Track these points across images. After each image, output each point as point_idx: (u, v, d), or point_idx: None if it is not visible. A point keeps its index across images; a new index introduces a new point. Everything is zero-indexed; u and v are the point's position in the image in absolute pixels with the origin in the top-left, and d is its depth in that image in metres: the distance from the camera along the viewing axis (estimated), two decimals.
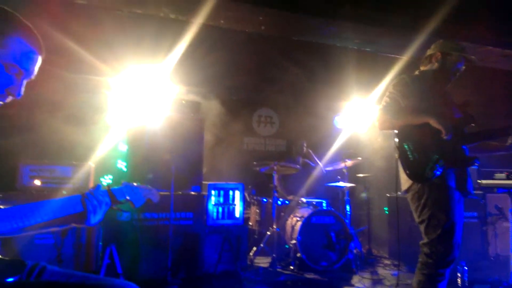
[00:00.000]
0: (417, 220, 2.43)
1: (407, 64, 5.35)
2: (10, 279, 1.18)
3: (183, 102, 4.00)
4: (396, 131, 2.46)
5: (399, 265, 4.45)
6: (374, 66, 5.50)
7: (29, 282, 1.25)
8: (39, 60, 1.24)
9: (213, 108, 5.51)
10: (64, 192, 3.41)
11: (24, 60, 1.18)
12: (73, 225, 1.38)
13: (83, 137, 4.29)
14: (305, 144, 5.63)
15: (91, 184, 3.61)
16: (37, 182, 3.36)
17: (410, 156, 2.34)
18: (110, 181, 4.26)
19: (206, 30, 4.38)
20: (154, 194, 1.68)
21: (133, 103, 4.11)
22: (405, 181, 2.48)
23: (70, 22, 3.94)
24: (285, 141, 6.76)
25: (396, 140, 2.43)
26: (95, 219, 1.36)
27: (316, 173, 5.42)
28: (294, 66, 5.48)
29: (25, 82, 1.23)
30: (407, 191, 2.48)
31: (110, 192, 1.47)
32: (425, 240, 2.36)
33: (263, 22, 4.35)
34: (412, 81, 2.55)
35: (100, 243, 3.48)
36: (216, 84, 5.26)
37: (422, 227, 2.39)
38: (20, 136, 3.83)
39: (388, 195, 5.28)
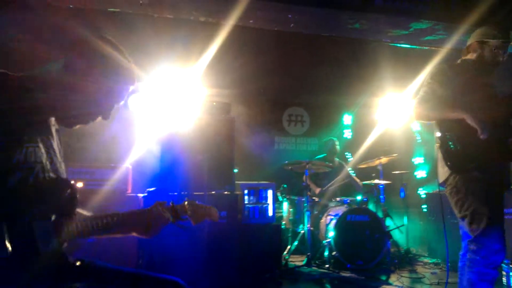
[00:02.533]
0: (458, 215, 2.33)
1: (444, 56, 5.16)
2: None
3: (214, 103, 4.06)
4: (436, 122, 2.37)
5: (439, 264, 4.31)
6: (409, 59, 5.35)
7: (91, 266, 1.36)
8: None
9: (243, 108, 5.56)
10: (104, 194, 3.55)
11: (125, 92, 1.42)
12: (134, 234, 1.46)
13: (120, 139, 4.47)
14: (336, 143, 5.55)
15: (129, 186, 3.74)
16: (79, 184, 3.53)
17: (452, 146, 2.25)
18: (146, 182, 4.38)
19: (235, 32, 4.43)
20: (213, 214, 1.69)
21: (165, 106, 4.21)
22: (442, 173, 2.38)
23: (106, 28, 4.10)
24: (316, 139, 6.69)
25: (438, 130, 2.34)
26: (155, 232, 1.44)
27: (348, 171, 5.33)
28: (324, 63, 5.43)
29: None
30: (444, 183, 2.39)
31: (173, 209, 1.52)
32: (471, 236, 2.25)
33: (293, 20, 4.34)
34: (452, 71, 2.42)
35: (139, 242, 3.60)
36: (246, 85, 5.30)
37: (465, 223, 2.27)
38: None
39: (426, 192, 5.11)
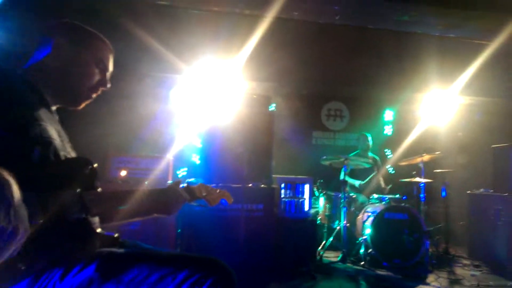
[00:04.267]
0: None
1: (495, 50, 4.90)
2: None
3: (254, 96, 4.10)
4: None
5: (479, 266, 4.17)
6: (456, 54, 5.12)
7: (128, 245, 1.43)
8: (111, 56, 1.53)
9: (283, 102, 5.55)
10: (146, 182, 3.71)
11: (105, 59, 1.49)
12: (155, 215, 1.51)
13: (162, 131, 4.62)
14: (368, 138, 5.43)
15: (170, 176, 3.87)
16: (123, 173, 3.70)
17: None
18: (185, 173, 4.52)
19: (277, 24, 4.42)
20: (227, 197, 1.79)
21: (206, 99, 4.31)
22: None
23: (151, 21, 4.22)
24: (355, 135, 6.59)
25: None
26: (175, 210, 1.49)
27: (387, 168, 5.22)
28: (366, 57, 5.31)
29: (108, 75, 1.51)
30: None
31: (189, 189, 1.59)
32: None
33: (338, 12, 4.26)
34: None
35: (179, 230, 3.74)
36: (286, 78, 5.29)
37: None
38: (107, 130, 4.23)
39: (468, 192, 4.93)
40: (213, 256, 1.30)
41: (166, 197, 1.47)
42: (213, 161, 3.91)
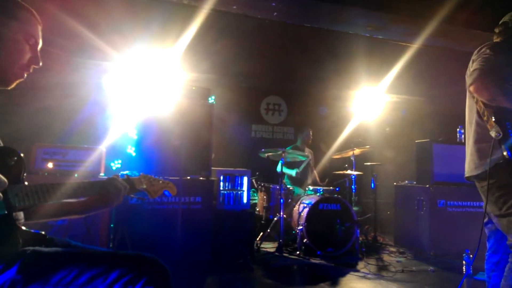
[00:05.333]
0: (498, 212, 1.98)
1: (416, 53, 5.31)
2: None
3: (193, 88, 4.01)
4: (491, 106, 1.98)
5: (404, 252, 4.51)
6: (383, 54, 5.46)
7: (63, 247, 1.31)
8: (40, 29, 1.39)
9: (222, 94, 5.52)
10: (76, 175, 3.48)
11: (36, 33, 1.35)
12: (94, 210, 1.42)
13: (94, 121, 4.35)
14: (311, 133, 5.64)
15: (102, 168, 3.67)
16: (50, 165, 3.43)
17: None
18: (119, 165, 4.32)
19: (216, 16, 4.38)
20: (170, 188, 1.72)
21: (143, 89, 4.13)
22: (480, 165, 2.05)
23: (80, 6, 3.96)
24: (293, 129, 6.77)
25: (491, 115, 1.96)
26: (114, 204, 1.42)
27: (324, 161, 5.45)
28: (303, 54, 5.46)
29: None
30: (479, 176, 2.07)
31: (129, 180, 1.51)
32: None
33: (276, 8, 4.32)
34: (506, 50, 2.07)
35: (112, 225, 3.56)
36: (226, 71, 5.27)
37: (504, 221, 1.96)
38: (33, 120, 3.90)
39: (395, 183, 5.30)
40: (148, 253, 1.25)
41: (104, 190, 1.38)
42: (150, 153, 3.77)
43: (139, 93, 4.12)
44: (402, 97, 6.56)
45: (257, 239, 4.54)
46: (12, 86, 1.35)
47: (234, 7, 4.31)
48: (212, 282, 3.38)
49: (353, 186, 4.90)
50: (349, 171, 4.96)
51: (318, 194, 4.68)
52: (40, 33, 1.39)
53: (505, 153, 1.90)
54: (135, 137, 3.77)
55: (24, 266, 1.09)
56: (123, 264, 1.17)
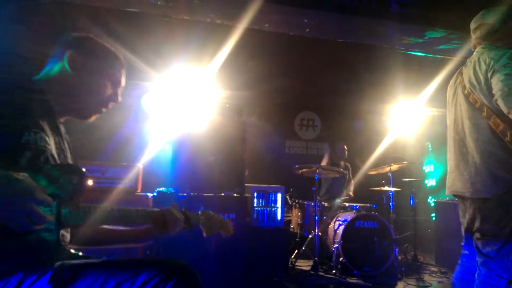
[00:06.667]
0: (490, 234, 1.92)
1: (457, 65, 5.12)
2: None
3: (227, 105, 4.09)
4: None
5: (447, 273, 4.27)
6: (422, 67, 5.32)
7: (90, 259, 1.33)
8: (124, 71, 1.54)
9: (255, 111, 5.57)
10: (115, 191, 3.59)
11: (118, 73, 1.50)
12: (145, 240, 1.46)
13: (132, 139, 4.51)
14: (345, 147, 5.54)
15: (140, 185, 3.77)
16: (90, 182, 3.57)
17: None
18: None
19: (250, 34, 4.45)
20: (228, 227, 1.66)
21: (179, 107, 4.25)
22: (494, 187, 1.92)
23: (121, 28, 4.15)
24: (327, 144, 6.69)
25: (503, 132, 1.86)
26: (171, 234, 1.41)
27: (359, 177, 5.32)
28: (337, 68, 5.42)
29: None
30: (490, 196, 1.93)
31: (186, 214, 1.50)
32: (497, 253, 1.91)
33: (308, 25, 4.35)
34: None
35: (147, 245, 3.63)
36: (259, 88, 5.31)
37: (494, 243, 1.90)
38: (74, 137, 4.08)
39: (435, 200, 5.07)
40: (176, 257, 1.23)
41: (161, 220, 1.38)
42: (185, 170, 3.84)
43: (176, 110, 4.25)
44: (443, 111, 6.32)
45: (292, 256, 4.48)
46: (91, 119, 1.48)
47: (266, 25, 4.37)
48: None
49: (390, 203, 4.74)
50: (386, 188, 4.81)
51: (354, 211, 4.57)
52: (123, 74, 1.52)
53: None
54: (171, 154, 3.87)
55: (54, 276, 1.11)
56: (151, 268, 1.15)
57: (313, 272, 4.18)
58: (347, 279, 4.04)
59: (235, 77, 4.90)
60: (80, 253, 1.36)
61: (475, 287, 1.97)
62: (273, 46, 4.85)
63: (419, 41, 4.79)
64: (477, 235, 2.00)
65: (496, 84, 1.85)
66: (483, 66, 1.95)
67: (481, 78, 1.96)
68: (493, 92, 1.87)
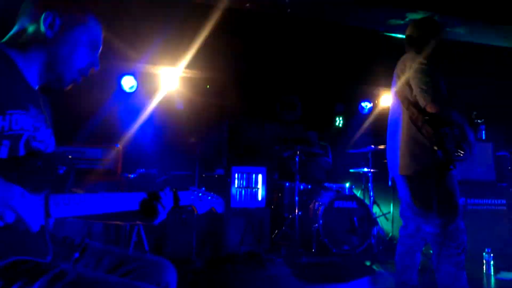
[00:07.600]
0: (424, 207, 2.33)
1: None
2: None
3: (207, 86, 4.05)
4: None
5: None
6: (403, 50, 5.36)
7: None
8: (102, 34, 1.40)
9: (237, 93, 5.53)
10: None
11: (99, 38, 1.36)
12: (138, 222, 1.40)
13: (112, 120, 4.44)
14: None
15: (120, 166, 3.74)
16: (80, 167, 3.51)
17: (446, 143, 2.20)
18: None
19: (230, 14, 4.39)
20: (220, 204, 1.66)
21: (158, 87, 4.19)
22: (417, 164, 2.32)
23: (100, 8, 4.03)
24: (308, 126, 6.73)
25: (428, 123, 2.26)
26: (160, 219, 1.37)
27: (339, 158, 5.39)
28: (319, 50, 5.41)
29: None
30: (419, 174, 2.33)
31: (176, 195, 1.47)
32: (438, 230, 2.27)
33: (289, 5, 4.30)
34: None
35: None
36: (240, 69, 5.27)
37: (433, 216, 2.27)
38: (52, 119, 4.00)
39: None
40: (164, 259, 1.27)
41: (151, 202, 1.34)
42: (166, 151, 3.83)
43: (155, 91, 4.19)
44: None
45: (272, 236, 4.54)
46: (68, 88, 1.35)
47: (247, 4, 4.31)
48: (226, 278, 3.40)
49: (369, 184, 4.83)
50: (365, 169, 4.89)
51: (333, 191, 4.64)
52: (102, 38, 1.39)
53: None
54: (152, 136, 3.84)
55: (45, 285, 1.01)
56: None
57: (293, 251, 4.26)
58: (327, 258, 4.13)
59: (217, 58, 4.84)
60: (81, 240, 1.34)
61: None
62: (254, 26, 4.80)
63: (401, 22, 4.81)
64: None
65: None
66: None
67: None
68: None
